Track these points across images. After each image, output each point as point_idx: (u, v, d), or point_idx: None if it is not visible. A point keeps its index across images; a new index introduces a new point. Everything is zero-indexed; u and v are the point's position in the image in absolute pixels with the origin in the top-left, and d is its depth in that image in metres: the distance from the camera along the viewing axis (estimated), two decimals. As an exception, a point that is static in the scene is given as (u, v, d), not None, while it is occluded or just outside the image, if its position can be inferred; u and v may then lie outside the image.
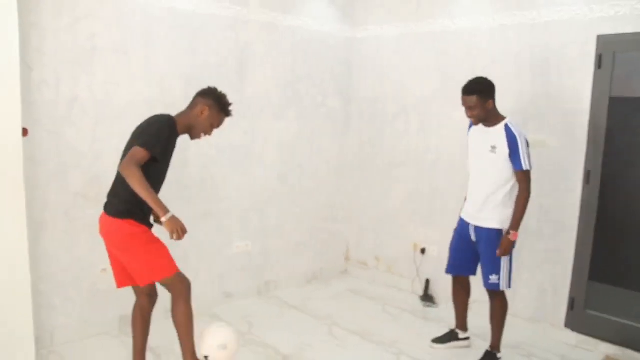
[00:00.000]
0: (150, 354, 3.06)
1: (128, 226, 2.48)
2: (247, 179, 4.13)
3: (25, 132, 2.74)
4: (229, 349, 2.63)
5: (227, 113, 2.68)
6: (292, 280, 4.55)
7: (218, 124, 2.68)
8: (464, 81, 3.10)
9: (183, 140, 3.56)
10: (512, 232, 3.02)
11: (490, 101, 3.03)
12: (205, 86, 2.72)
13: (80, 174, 3.21)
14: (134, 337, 2.78)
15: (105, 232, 2.55)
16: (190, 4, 3.59)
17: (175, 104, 2.78)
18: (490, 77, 3.04)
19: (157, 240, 2.55)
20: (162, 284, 2.59)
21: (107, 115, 3.27)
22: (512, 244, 3.04)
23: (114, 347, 3.28)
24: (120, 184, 2.44)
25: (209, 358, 2.61)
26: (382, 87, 4.62)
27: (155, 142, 2.41)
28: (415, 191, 4.44)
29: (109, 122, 3.29)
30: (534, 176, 3.58)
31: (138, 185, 2.29)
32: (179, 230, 2.37)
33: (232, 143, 3.98)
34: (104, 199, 2.63)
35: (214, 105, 2.61)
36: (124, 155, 2.54)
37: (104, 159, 3.27)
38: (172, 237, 2.38)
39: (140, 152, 2.35)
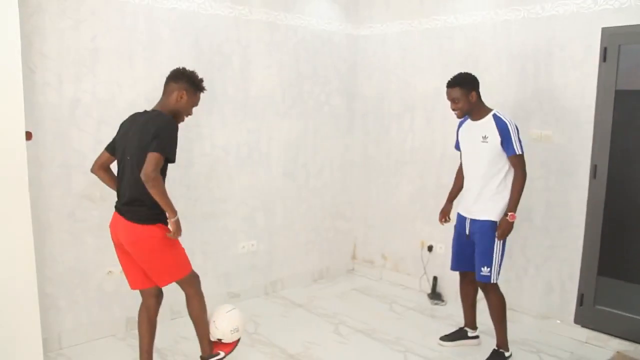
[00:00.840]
0: (157, 354, 3.06)
1: (159, 230, 2.54)
2: (253, 178, 4.12)
3: (29, 135, 2.74)
4: (240, 331, 2.88)
5: (202, 89, 2.75)
6: (298, 279, 4.55)
7: (197, 103, 2.76)
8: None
9: (187, 140, 3.58)
10: (509, 213, 3.02)
11: (474, 93, 3.06)
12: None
13: (84, 175, 3.20)
14: (141, 339, 2.79)
15: (133, 241, 2.54)
16: (192, 4, 3.60)
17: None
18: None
19: (177, 242, 2.65)
20: (178, 281, 2.70)
21: (110, 116, 3.28)
22: (511, 226, 3.04)
23: (121, 349, 3.28)
24: (142, 191, 2.46)
25: (222, 340, 2.81)
26: (386, 85, 4.61)
27: (170, 147, 2.50)
28: (421, 188, 4.42)
29: (113, 123, 3.28)
30: (540, 171, 3.57)
31: (161, 194, 2.45)
32: (178, 231, 2.55)
33: (237, 142, 3.98)
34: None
35: (189, 88, 2.67)
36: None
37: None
38: (171, 234, 2.54)
39: (159, 159, 2.44)
